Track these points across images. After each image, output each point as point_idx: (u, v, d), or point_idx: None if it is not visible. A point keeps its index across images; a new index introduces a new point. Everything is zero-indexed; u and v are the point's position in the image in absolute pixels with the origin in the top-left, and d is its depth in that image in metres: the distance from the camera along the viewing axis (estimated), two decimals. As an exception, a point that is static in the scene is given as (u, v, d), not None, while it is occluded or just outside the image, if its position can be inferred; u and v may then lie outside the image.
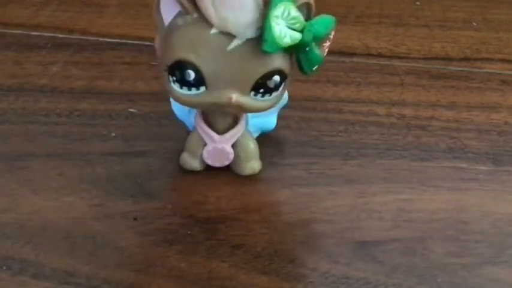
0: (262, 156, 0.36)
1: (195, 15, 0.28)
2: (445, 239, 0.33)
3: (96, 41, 0.47)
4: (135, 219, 0.33)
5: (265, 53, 0.28)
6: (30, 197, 0.34)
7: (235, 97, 0.29)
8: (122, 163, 0.36)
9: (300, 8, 0.28)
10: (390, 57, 0.46)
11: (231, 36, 0.28)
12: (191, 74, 0.29)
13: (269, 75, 0.29)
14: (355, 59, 0.46)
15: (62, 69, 0.44)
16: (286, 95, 0.35)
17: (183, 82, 0.29)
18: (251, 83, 0.29)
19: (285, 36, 0.28)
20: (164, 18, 0.30)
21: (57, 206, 0.34)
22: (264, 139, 0.37)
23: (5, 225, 0.33)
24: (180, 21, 0.29)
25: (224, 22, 0.28)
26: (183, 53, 0.28)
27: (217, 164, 0.35)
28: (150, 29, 0.48)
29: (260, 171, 0.35)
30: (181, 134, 0.36)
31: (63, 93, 0.42)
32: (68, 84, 0.43)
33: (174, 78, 0.29)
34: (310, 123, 0.40)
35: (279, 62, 0.29)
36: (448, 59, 0.46)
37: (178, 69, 0.29)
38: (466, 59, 0.46)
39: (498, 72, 0.45)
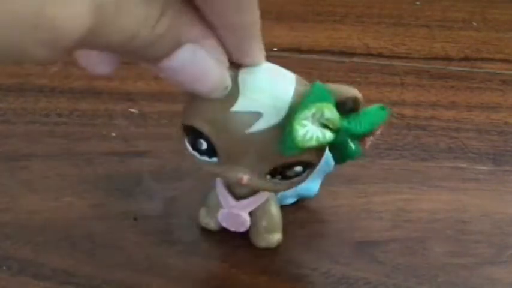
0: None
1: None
2: (445, 239, 0.32)
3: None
4: (135, 219, 0.33)
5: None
6: (30, 197, 0.34)
7: (247, 179, 0.25)
8: (122, 163, 0.36)
9: (343, 101, 0.24)
10: (390, 57, 0.46)
11: (253, 117, 0.24)
12: (203, 144, 0.25)
13: (290, 166, 0.25)
14: (355, 59, 0.46)
15: (61, 69, 0.44)
16: (331, 161, 0.29)
17: (195, 147, 0.26)
18: (268, 169, 0.25)
19: (310, 139, 0.23)
20: None
21: (57, 206, 0.34)
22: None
23: (5, 225, 0.33)
24: None
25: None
26: (199, 122, 0.25)
27: (233, 229, 0.31)
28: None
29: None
30: (181, 134, 0.36)
31: (63, 93, 0.42)
32: (68, 84, 0.43)
33: (187, 139, 0.26)
34: (310, 123, 0.40)
35: (305, 154, 0.25)
36: (448, 59, 0.46)
37: (191, 134, 0.26)
38: (466, 59, 0.46)
39: (498, 72, 0.45)
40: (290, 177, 0.26)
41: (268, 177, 0.26)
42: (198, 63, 0.22)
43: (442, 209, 0.34)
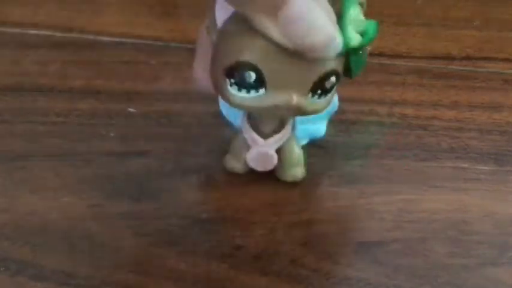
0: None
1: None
2: (447, 240, 0.32)
3: (95, 39, 0.47)
4: (134, 219, 0.33)
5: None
6: (29, 197, 0.34)
7: (296, 98, 0.29)
8: (121, 163, 0.36)
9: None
10: (391, 56, 0.46)
11: None
12: (252, 76, 0.28)
13: (327, 76, 0.29)
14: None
15: (60, 69, 0.44)
16: (336, 100, 0.35)
17: (243, 84, 0.28)
18: (310, 84, 0.29)
19: (353, 39, 0.29)
20: (218, 18, 0.29)
21: (56, 207, 0.34)
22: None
23: (3, 226, 0.32)
24: (234, 26, 0.28)
25: (301, 47, 0.27)
26: (242, 54, 0.28)
27: (260, 169, 0.34)
28: (149, 27, 0.48)
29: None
30: (181, 134, 0.36)
31: (61, 92, 0.42)
32: (67, 83, 0.42)
33: (232, 81, 0.28)
34: (310, 122, 0.39)
35: (335, 63, 0.29)
36: (449, 58, 0.46)
37: (237, 71, 0.28)
38: (467, 58, 0.46)
39: (500, 71, 0.45)
40: (326, 92, 0.29)
41: (310, 95, 0.29)
42: (313, 14, 0.25)
43: (443, 209, 0.34)
